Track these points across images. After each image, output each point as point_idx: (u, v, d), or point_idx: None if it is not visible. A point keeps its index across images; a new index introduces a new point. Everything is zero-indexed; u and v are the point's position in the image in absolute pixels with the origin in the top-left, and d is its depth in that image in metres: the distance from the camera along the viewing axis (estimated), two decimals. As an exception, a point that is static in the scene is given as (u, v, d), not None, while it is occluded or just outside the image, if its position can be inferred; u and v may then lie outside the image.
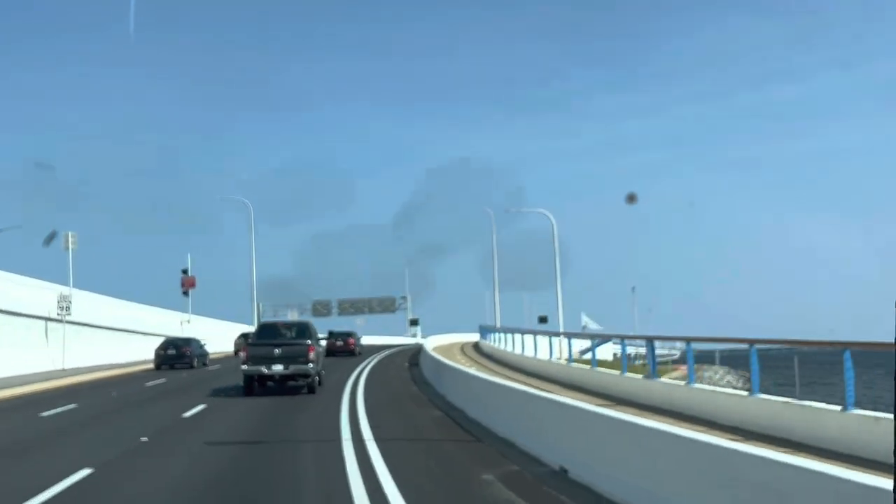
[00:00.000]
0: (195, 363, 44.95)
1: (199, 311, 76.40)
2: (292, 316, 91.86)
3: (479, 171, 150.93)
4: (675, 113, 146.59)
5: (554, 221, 46.07)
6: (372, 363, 44.61)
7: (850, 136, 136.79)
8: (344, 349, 53.43)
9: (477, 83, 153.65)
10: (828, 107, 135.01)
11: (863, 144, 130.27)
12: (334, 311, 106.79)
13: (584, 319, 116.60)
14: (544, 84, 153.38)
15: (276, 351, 26.25)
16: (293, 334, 27.75)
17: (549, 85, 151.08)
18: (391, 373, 38.04)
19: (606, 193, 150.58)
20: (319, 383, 27.63)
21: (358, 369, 39.21)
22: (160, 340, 47.93)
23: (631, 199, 35.78)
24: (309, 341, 26.89)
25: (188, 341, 46.69)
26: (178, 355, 44.82)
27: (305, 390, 26.59)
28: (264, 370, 26.28)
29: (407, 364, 43.50)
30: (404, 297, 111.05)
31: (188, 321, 70.37)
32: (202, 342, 48.32)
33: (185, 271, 75.11)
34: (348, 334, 56.17)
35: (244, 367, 26.60)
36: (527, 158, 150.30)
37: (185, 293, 74.17)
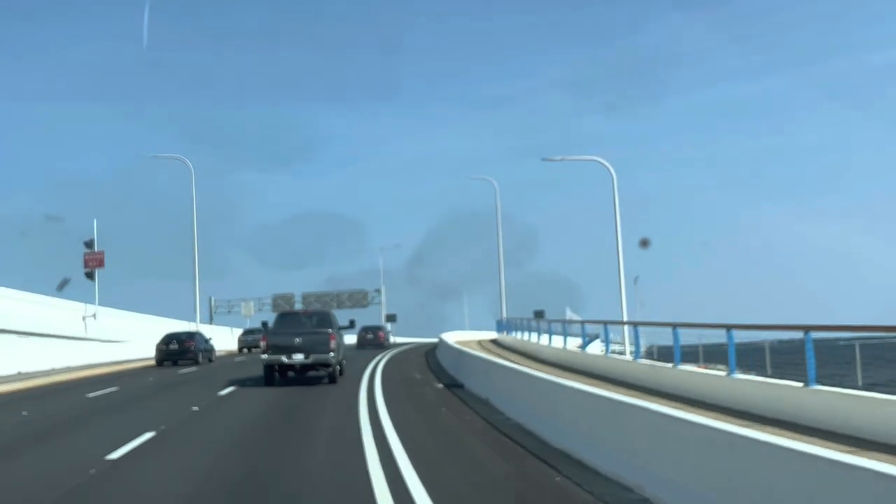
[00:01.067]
0: (200, 359, 41.78)
1: (119, 302, 59.36)
2: (247, 311, 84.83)
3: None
4: (637, 113, 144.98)
5: (613, 172, 38.98)
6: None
7: (805, 133, 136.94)
8: (374, 342, 60.07)
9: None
10: (783, 104, 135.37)
11: (818, 141, 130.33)
12: (298, 306, 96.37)
13: (569, 314, 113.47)
14: (503, 82, 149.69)
15: (297, 340, 25.85)
16: (314, 323, 27.33)
17: (511, 83, 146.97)
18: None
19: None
20: (341, 373, 27.36)
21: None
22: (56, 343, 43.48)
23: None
24: (330, 330, 26.49)
25: (192, 335, 43.61)
26: (181, 350, 41.77)
27: (326, 380, 26.23)
28: (284, 360, 25.91)
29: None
30: (378, 291, 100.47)
31: (94, 315, 53.17)
32: (207, 337, 44.99)
33: (88, 244, 53.69)
34: (378, 328, 65.61)
35: (263, 356, 26.32)
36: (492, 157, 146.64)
37: (90, 275, 53.33)
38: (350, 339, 56.15)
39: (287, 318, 28.51)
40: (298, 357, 25.81)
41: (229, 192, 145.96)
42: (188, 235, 62.97)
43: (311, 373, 26.53)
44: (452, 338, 46.37)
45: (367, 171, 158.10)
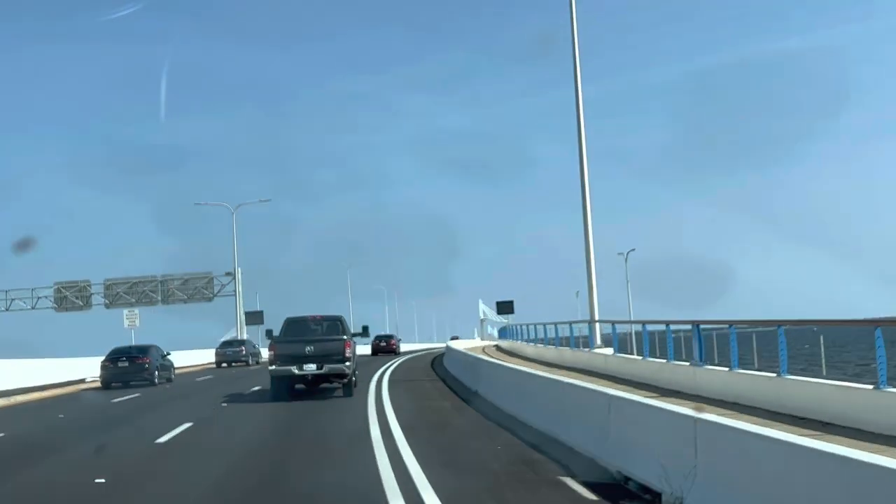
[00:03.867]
0: (156, 379, 34.25)
1: None
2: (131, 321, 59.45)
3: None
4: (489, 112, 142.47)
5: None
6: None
7: (637, 135, 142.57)
8: (387, 349, 61.67)
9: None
10: (617, 106, 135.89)
11: (649, 144, 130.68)
12: (97, 300, 65.77)
13: (483, 309, 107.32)
14: (357, 79, 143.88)
15: (308, 348, 23.95)
16: (325, 329, 25.61)
17: (364, 81, 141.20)
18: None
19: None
20: (354, 384, 24.99)
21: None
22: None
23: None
24: (345, 336, 24.80)
25: (146, 350, 35.89)
26: (132, 369, 34.24)
27: (340, 392, 24.33)
28: (295, 371, 23.90)
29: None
30: (230, 274, 67.17)
31: None
32: (164, 351, 37.36)
33: None
34: (390, 336, 67.83)
35: (272, 367, 24.37)
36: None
37: None
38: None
39: (296, 325, 26.01)
40: (310, 367, 23.83)
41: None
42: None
43: (324, 384, 24.66)
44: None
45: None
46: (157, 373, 34.70)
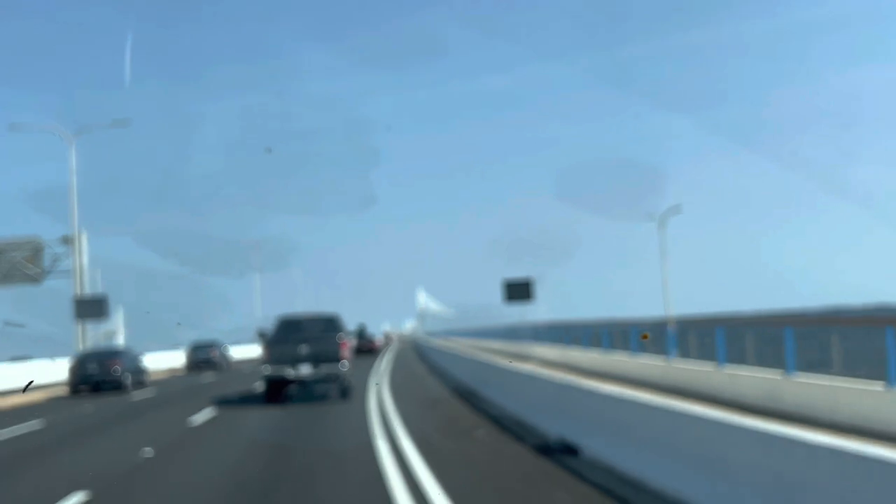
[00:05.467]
0: (128, 384, 31.97)
1: None
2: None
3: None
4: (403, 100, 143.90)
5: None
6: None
7: (553, 125, 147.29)
8: (370, 347, 62.90)
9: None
10: (531, 97, 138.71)
11: (562, 134, 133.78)
12: None
13: (422, 299, 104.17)
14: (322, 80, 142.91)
15: (303, 349, 23.23)
16: (320, 328, 24.47)
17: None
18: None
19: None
20: (350, 386, 24.03)
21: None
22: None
23: None
24: (341, 335, 24.07)
25: (117, 353, 33.66)
26: (102, 373, 31.97)
27: (336, 395, 23.36)
28: (290, 372, 23.19)
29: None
30: (68, 240, 45.30)
31: None
32: (137, 353, 35.04)
33: None
34: (373, 335, 68.39)
35: (265, 369, 23.74)
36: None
37: None
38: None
39: (289, 324, 25.08)
40: (305, 369, 23.13)
41: None
42: None
43: (319, 387, 24.31)
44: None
45: None
46: (129, 377, 32.46)
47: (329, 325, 24.81)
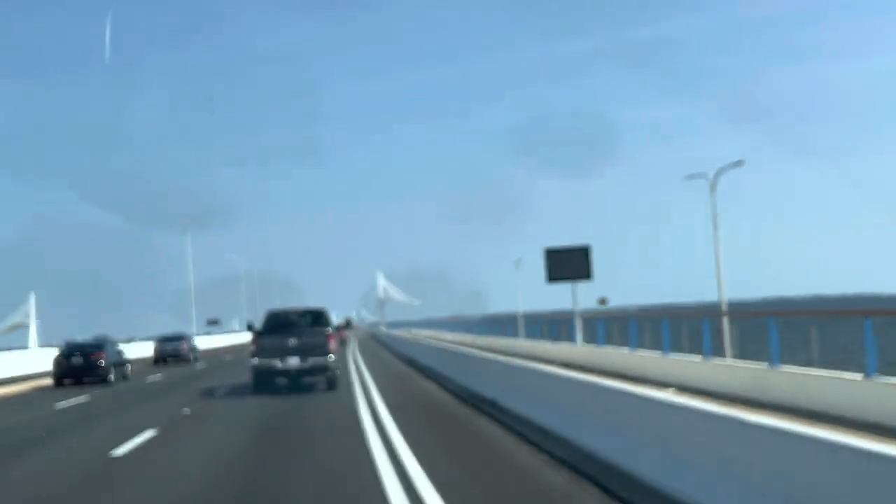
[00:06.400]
0: (111, 376, 32.79)
1: None
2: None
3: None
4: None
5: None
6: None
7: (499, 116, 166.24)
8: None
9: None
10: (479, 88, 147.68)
11: (511, 123, 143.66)
12: None
13: (382, 285, 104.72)
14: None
15: (291, 342, 24.12)
16: (308, 322, 25.65)
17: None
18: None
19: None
20: (337, 378, 24.93)
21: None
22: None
23: None
24: (329, 328, 25.23)
25: (101, 345, 34.47)
26: (86, 365, 32.77)
27: (324, 386, 24.20)
28: (278, 364, 24.08)
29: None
30: None
31: None
32: (119, 345, 35.81)
33: None
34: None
35: (254, 360, 24.50)
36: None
37: None
38: None
39: (277, 317, 26.13)
40: (293, 361, 24.02)
41: None
42: None
43: (307, 378, 24.65)
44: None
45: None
46: (112, 370, 33.31)
47: (316, 319, 25.84)
